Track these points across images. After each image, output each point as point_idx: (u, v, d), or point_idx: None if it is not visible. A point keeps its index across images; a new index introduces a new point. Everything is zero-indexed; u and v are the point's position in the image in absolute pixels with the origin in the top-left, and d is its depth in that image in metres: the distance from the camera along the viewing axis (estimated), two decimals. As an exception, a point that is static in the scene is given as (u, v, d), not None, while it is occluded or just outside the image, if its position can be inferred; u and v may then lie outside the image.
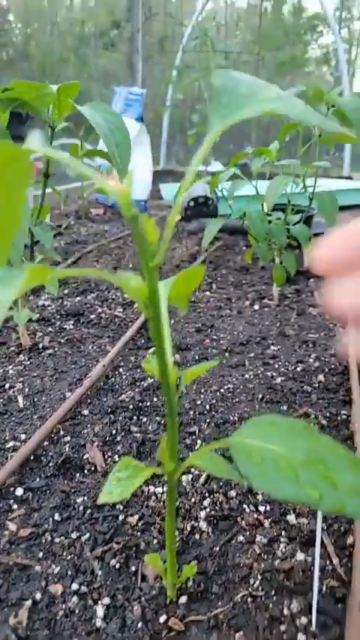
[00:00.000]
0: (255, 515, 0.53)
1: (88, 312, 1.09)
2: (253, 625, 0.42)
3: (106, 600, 0.44)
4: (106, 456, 0.62)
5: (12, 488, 0.56)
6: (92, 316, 1.06)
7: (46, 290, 1.15)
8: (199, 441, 0.65)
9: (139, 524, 0.52)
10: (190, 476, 0.58)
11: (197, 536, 0.51)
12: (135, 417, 0.69)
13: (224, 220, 1.14)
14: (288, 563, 0.48)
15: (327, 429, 0.70)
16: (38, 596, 0.44)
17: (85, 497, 0.55)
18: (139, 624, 0.42)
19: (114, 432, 0.66)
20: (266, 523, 0.53)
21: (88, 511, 0.53)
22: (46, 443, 0.63)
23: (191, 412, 0.71)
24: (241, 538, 0.51)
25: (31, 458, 0.60)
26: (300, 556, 0.49)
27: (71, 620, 0.42)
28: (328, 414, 0.73)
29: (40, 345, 0.92)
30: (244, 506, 0.55)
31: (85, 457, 0.61)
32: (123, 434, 0.65)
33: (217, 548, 0.49)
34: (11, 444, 0.64)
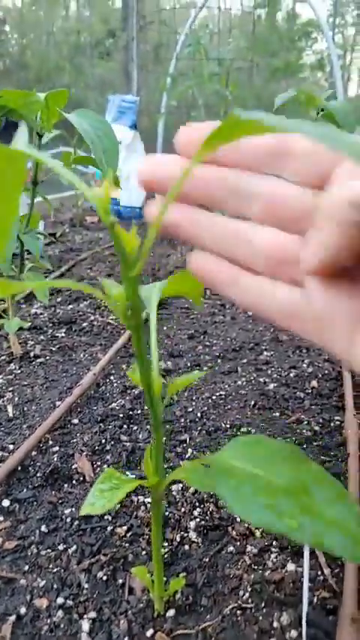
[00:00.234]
0: (246, 525, 0.53)
1: (81, 319, 1.08)
2: (243, 638, 0.41)
3: (92, 614, 0.43)
4: (95, 466, 0.61)
5: (-1, 500, 0.55)
6: (84, 324, 1.06)
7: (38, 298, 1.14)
8: (190, 449, 0.64)
9: (128, 535, 0.51)
10: (180, 485, 0.58)
11: (187, 546, 0.50)
12: (125, 426, 0.69)
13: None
14: (278, 574, 0.47)
15: (320, 435, 0.69)
16: (23, 610, 0.43)
17: (73, 509, 0.54)
18: (125, 639, 0.41)
19: (103, 441, 0.65)
20: (257, 533, 0.52)
21: (76, 522, 0.52)
22: (34, 453, 0.63)
23: (182, 420, 0.70)
24: (231, 548, 0.50)
25: (19, 468, 0.60)
26: (291, 567, 0.48)
27: (56, 636, 0.41)
28: (321, 420, 0.72)
29: (32, 354, 0.91)
30: (235, 515, 0.54)
31: (73, 467, 0.60)
32: (113, 443, 0.65)
33: (207, 559, 0.49)
34: (-1, 454, 0.63)
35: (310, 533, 0.22)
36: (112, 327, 1.05)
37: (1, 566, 0.47)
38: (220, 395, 0.78)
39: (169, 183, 0.25)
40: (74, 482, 0.58)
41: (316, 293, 0.22)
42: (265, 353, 0.94)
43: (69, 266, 1.50)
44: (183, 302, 1.21)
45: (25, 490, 0.56)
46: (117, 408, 0.73)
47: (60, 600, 0.44)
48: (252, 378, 0.84)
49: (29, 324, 1.03)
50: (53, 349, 0.94)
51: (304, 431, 0.70)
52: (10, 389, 0.79)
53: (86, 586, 0.46)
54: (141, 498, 0.56)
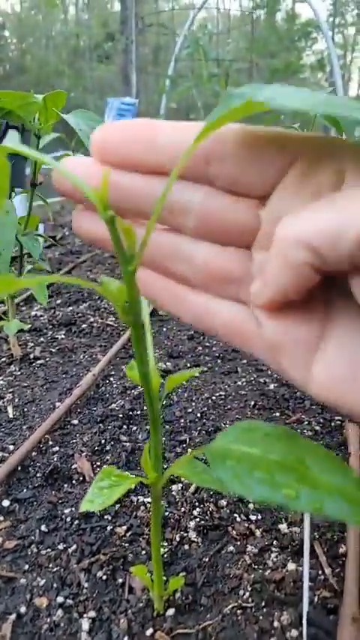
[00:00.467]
0: (246, 525, 0.53)
1: (80, 321, 1.08)
2: (243, 638, 0.41)
3: (92, 613, 0.43)
4: (94, 466, 0.61)
5: (-2, 501, 0.55)
6: (84, 325, 1.06)
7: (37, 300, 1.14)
8: (189, 450, 0.64)
9: (128, 534, 0.51)
10: (180, 485, 0.58)
11: (186, 546, 0.50)
12: (125, 426, 0.69)
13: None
14: (279, 574, 0.47)
15: (320, 435, 0.69)
16: (23, 609, 0.43)
17: (73, 508, 0.54)
18: (125, 638, 0.41)
19: (103, 441, 0.65)
20: (257, 532, 0.52)
21: (76, 522, 0.52)
22: (34, 453, 0.63)
23: (182, 420, 0.70)
24: (231, 548, 0.50)
25: (19, 469, 0.60)
26: (291, 566, 0.48)
27: (56, 635, 0.41)
28: (321, 420, 0.72)
29: (32, 356, 0.91)
30: (235, 515, 0.54)
31: (73, 467, 0.60)
32: (112, 443, 0.65)
33: (207, 559, 0.48)
34: (-1, 455, 0.63)
35: (309, 501, 0.22)
36: (112, 328, 1.05)
37: (1, 565, 0.47)
38: (220, 395, 0.78)
39: (81, 189, 0.22)
40: (74, 482, 0.58)
41: (267, 322, 0.22)
42: (265, 353, 0.94)
43: (69, 268, 1.50)
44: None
45: (25, 490, 0.56)
46: (116, 408, 0.73)
47: (60, 599, 0.44)
48: (252, 378, 0.84)
49: (29, 326, 1.03)
50: (53, 351, 0.94)
51: (305, 431, 0.70)
52: (11, 390, 0.79)
53: (86, 585, 0.45)
54: (140, 498, 0.56)
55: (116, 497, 0.34)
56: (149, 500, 0.55)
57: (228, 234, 0.23)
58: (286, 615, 0.43)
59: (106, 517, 0.53)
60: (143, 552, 0.49)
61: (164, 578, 0.43)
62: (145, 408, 0.73)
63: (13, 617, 0.43)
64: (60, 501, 0.55)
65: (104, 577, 0.46)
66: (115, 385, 0.80)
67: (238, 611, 0.43)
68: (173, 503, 0.55)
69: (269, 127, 0.21)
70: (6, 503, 0.54)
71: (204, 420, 0.71)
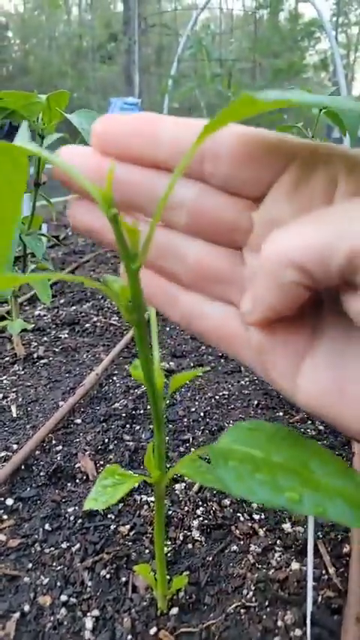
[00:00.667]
0: (249, 524, 0.52)
1: (84, 320, 1.08)
2: (246, 637, 0.41)
3: (96, 612, 0.43)
4: (97, 465, 0.61)
5: (2, 499, 0.55)
6: (87, 325, 1.06)
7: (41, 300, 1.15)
8: (192, 449, 0.64)
9: (131, 533, 0.51)
10: (184, 484, 0.58)
11: (190, 545, 0.50)
12: (128, 425, 0.69)
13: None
14: (282, 573, 0.47)
15: (324, 435, 0.69)
16: (27, 607, 0.43)
17: (76, 507, 0.54)
18: (129, 637, 0.41)
19: (106, 440, 0.65)
20: (261, 532, 0.52)
21: (79, 521, 0.52)
22: (37, 452, 0.63)
23: (185, 420, 0.70)
24: (234, 547, 0.50)
25: (22, 467, 0.60)
26: (295, 565, 0.48)
27: (59, 633, 0.41)
28: (324, 419, 0.72)
29: (35, 355, 0.91)
30: (239, 514, 0.54)
31: (76, 466, 0.60)
32: (115, 442, 0.65)
33: (210, 558, 0.48)
34: (3, 453, 0.63)
35: (312, 505, 0.22)
36: (115, 328, 1.05)
37: (5, 563, 0.47)
38: (224, 395, 0.78)
39: (81, 177, 0.22)
40: (77, 481, 0.58)
41: (256, 331, 0.22)
42: (268, 352, 0.94)
43: (72, 268, 1.50)
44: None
45: (28, 489, 0.57)
46: (120, 407, 0.73)
47: (63, 598, 0.44)
48: (255, 377, 0.83)
49: (33, 325, 1.04)
50: (56, 350, 0.94)
51: (309, 430, 0.70)
52: (14, 389, 0.79)
53: (89, 584, 0.46)
54: (144, 497, 0.56)
55: (120, 495, 0.34)
56: (152, 499, 0.55)
57: (220, 232, 0.23)
58: (289, 615, 0.43)
59: (109, 516, 0.53)
60: (147, 551, 0.49)
61: (168, 577, 0.43)
62: (148, 407, 0.73)
63: (16, 615, 0.43)
64: (63, 500, 0.55)
65: (108, 576, 0.46)
66: (118, 384, 0.80)
67: (242, 611, 0.43)
68: (177, 503, 0.55)
69: (267, 130, 0.21)
70: (10, 501, 0.55)
71: (207, 420, 0.71)
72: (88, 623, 0.42)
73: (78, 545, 0.49)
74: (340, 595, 0.45)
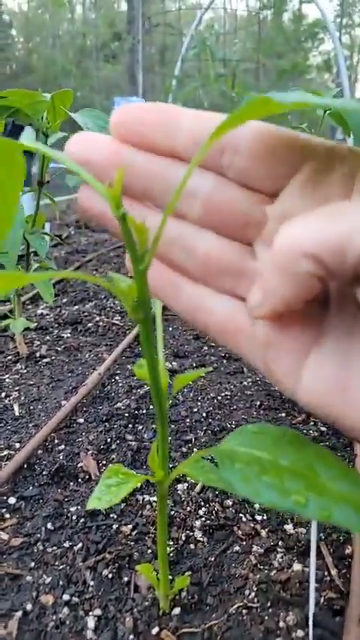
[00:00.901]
0: (251, 525, 0.52)
1: (86, 320, 1.08)
2: (248, 637, 0.41)
3: (98, 611, 0.43)
4: (100, 465, 0.61)
5: (5, 497, 0.55)
6: (90, 324, 1.06)
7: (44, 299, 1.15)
8: (195, 449, 0.64)
9: (133, 533, 0.51)
10: (186, 484, 0.58)
11: (192, 545, 0.50)
12: (130, 425, 0.69)
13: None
14: (285, 574, 0.47)
15: (327, 436, 0.69)
16: (29, 606, 0.43)
17: (79, 506, 0.54)
18: (131, 636, 0.41)
19: (109, 440, 0.65)
20: (263, 532, 0.52)
21: (82, 520, 0.52)
22: (40, 451, 0.63)
23: (187, 420, 0.70)
24: (237, 548, 0.50)
25: (25, 466, 0.60)
26: (297, 566, 0.48)
27: (61, 632, 0.41)
28: (327, 421, 0.72)
29: (37, 354, 0.91)
30: (241, 515, 0.54)
31: (79, 466, 0.60)
32: (118, 442, 0.65)
33: (212, 559, 0.48)
34: (5, 452, 0.63)
35: (318, 509, 0.22)
36: (118, 327, 1.05)
37: (8, 562, 0.47)
38: (226, 395, 0.78)
39: (100, 166, 0.23)
40: (80, 480, 0.58)
41: (262, 325, 0.22)
42: (270, 353, 0.94)
43: (74, 267, 1.50)
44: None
45: (31, 488, 0.57)
46: (122, 407, 0.73)
47: (66, 597, 0.44)
48: (258, 378, 0.83)
49: (35, 324, 1.04)
50: (59, 349, 0.94)
51: (311, 431, 0.70)
52: (17, 388, 0.79)
53: (92, 583, 0.46)
54: (146, 497, 0.56)
55: (123, 495, 0.34)
56: (155, 499, 0.55)
57: (232, 225, 0.23)
58: (291, 616, 0.43)
59: (111, 515, 0.53)
60: (149, 551, 0.49)
61: (170, 577, 0.43)
62: (150, 407, 0.73)
63: (19, 614, 0.43)
64: (66, 499, 0.55)
65: (110, 575, 0.46)
66: (120, 384, 0.80)
67: (244, 611, 0.43)
68: (179, 503, 0.55)
69: (285, 128, 0.21)
70: (12, 500, 0.55)
71: (209, 420, 0.71)
72: (91, 622, 0.42)
73: (80, 545, 0.49)
74: (342, 596, 0.45)
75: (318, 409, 0.21)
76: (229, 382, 0.82)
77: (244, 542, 0.50)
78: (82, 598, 0.44)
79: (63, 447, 0.64)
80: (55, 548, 0.49)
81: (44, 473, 0.59)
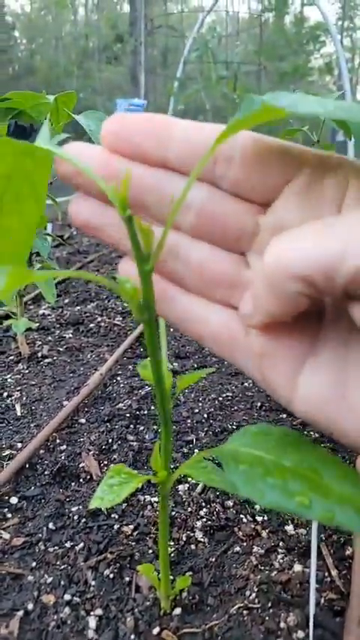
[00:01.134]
0: (252, 526, 0.53)
1: (88, 320, 1.09)
2: (249, 638, 0.41)
3: (99, 611, 0.43)
4: (101, 465, 0.61)
5: (6, 497, 0.55)
6: (91, 325, 1.06)
7: (46, 299, 1.15)
8: (196, 450, 0.64)
9: (134, 533, 0.51)
10: (187, 485, 0.58)
11: (193, 546, 0.50)
12: (132, 426, 0.69)
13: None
14: (285, 575, 0.47)
15: (327, 437, 0.69)
16: (30, 606, 0.44)
17: (80, 507, 0.54)
18: (132, 636, 0.41)
19: (110, 440, 0.65)
20: (264, 533, 0.52)
21: (83, 520, 0.53)
22: (42, 451, 0.63)
23: (189, 421, 0.71)
24: (237, 548, 0.50)
25: (27, 466, 0.60)
26: (298, 567, 0.48)
27: (63, 632, 0.41)
28: (327, 422, 0.72)
29: (39, 354, 0.91)
30: (242, 516, 0.54)
31: (80, 466, 0.60)
32: (119, 442, 0.65)
33: (213, 559, 0.49)
34: (7, 452, 0.63)
35: (322, 510, 0.22)
36: (119, 328, 1.06)
37: (9, 562, 0.48)
38: (227, 396, 0.78)
39: (96, 177, 0.22)
40: (81, 480, 0.58)
41: (257, 334, 0.22)
42: (271, 355, 0.94)
43: (76, 268, 1.50)
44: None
45: (33, 488, 0.57)
46: (124, 408, 0.73)
47: (67, 597, 0.44)
48: (259, 379, 0.84)
49: (37, 324, 1.04)
50: (61, 349, 0.94)
51: (312, 433, 0.70)
52: (19, 388, 0.79)
53: (93, 583, 0.46)
54: (148, 497, 0.56)
55: (125, 494, 0.35)
56: (156, 499, 0.56)
57: (226, 236, 0.23)
58: (292, 616, 0.43)
59: (113, 516, 0.53)
60: (150, 551, 0.49)
61: (171, 577, 0.43)
62: (152, 407, 0.74)
63: (20, 613, 0.43)
64: (67, 499, 0.55)
65: (111, 575, 0.47)
66: (122, 385, 0.80)
67: (245, 612, 0.43)
68: (180, 503, 0.55)
69: (277, 139, 0.22)
70: (14, 500, 0.55)
71: (211, 421, 0.71)
72: (92, 622, 0.42)
73: (82, 545, 0.50)
74: (343, 597, 0.45)
75: (314, 417, 0.21)
76: (230, 383, 0.82)
77: (245, 543, 0.51)
78: (83, 598, 0.44)
79: (65, 447, 0.64)
80: (56, 547, 0.49)
81: (46, 473, 0.59)
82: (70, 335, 1.02)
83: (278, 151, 0.21)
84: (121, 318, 1.11)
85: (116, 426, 0.68)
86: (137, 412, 0.72)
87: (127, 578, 0.46)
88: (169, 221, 0.22)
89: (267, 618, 0.43)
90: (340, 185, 0.20)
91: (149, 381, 0.35)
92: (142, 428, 0.69)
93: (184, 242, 0.24)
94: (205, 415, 0.72)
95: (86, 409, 0.73)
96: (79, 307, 1.17)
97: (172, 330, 1.05)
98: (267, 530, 0.52)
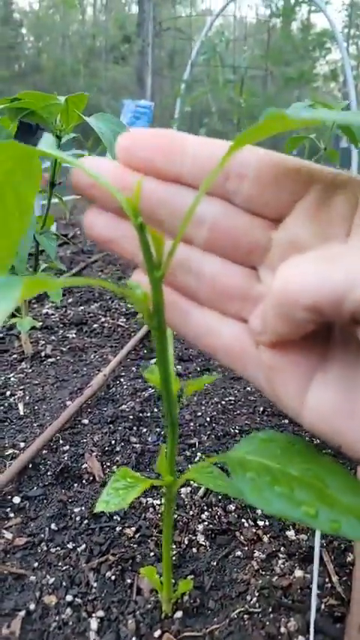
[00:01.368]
0: (254, 530, 0.53)
1: (92, 321, 1.09)
2: (250, 643, 0.41)
3: (101, 613, 0.43)
4: (104, 466, 0.61)
5: (9, 497, 0.55)
6: (95, 325, 1.06)
7: (50, 298, 1.15)
8: (198, 453, 0.64)
9: (136, 536, 0.51)
10: (189, 488, 0.58)
11: (195, 550, 0.50)
12: (135, 428, 0.69)
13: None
14: (286, 580, 0.47)
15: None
16: (32, 606, 0.44)
17: (83, 508, 0.54)
18: (133, 639, 0.41)
19: (113, 442, 0.65)
20: (265, 538, 0.52)
21: (85, 521, 0.53)
22: (44, 451, 0.63)
23: (192, 424, 0.71)
24: (239, 553, 0.50)
25: (30, 466, 0.60)
26: (299, 573, 0.48)
27: (64, 633, 0.42)
28: (329, 429, 0.72)
29: (43, 354, 0.92)
30: (243, 520, 0.54)
31: (83, 467, 0.61)
32: (122, 444, 0.65)
33: (215, 563, 0.49)
34: (10, 451, 0.63)
35: (328, 520, 0.22)
36: (123, 329, 1.06)
37: (12, 562, 0.48)
38: (230, 400, 0.78)
39: (104, 189, 0.23)
40: (84, 481, 0.59)
41: (266, 349, 0.22)
42: (274, 360, 0.94)
43: (80, 268, 1.51)
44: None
45: (35, 488, 0.57)
46: (127, 409, 0.73)
47: (69, 598, 0.44)
48: (261, 384, 0.84)
49: (41, 323, 1.04)
50: (64, 349, 0.94)
51: (314, 439, 0.70)
52: (22, 387, 0.80)
53: (95, 585, 0.46)
54: (150, 500, 0.56)
55: (131, 499, 0.35)
56: (159, 502, 0.56)
57: (238, 250, 0.23)
58: (293, 622, 0.43)
59: (115, 518, 0.53)
60: (152, 554, 0.49)
61: (172, 580, 0.43)
62: (155, 410, 0.74)
63: (22, 613, 0.43)
64: (70, 500, 0.55)
65: (113, 577, 0.47)
66: (125, 386, 0.81)
67: (245, 616, 0.44)
68: (182, 507, 0.55)
69: (289, 156, 0.22)
70: (17, 500, 0.55)
71: (213, 425, 0.71)
72: (93, 623, 0.42)
73: (84, 546, 0.50)
74: (343, 603, 0.45)
75: (323, 431, 0.21)
76: (232, 387, 0.82)
77: (246, 548, 0.51)
78: (85, 599, 0.45)
79: (68, 447, 0.64)
80: (58, 548, 0.49)
81: (49, 473, 0.59)
82: (74, 335, 1.02)
83: (290, 168, 0.22)
84: (124, 319, 1.11)
85: (119, 428, 0.68)
86: (140, 414, 0.72)
87: (129, 581, 0.47)
88: (180, 231, 0.23)
89: (267, 623, 0.43)
90: (350, 202, 0.21)
91: (152, 385, 0.36)
92: (144, 430, 0.69)
93: (196, 256, 0.24)
94: (208, 419, 0.72)
95: (89, 410, 0.73)
96: (82, 307, 1.17)
97: (175, 332, 1.05)
98: (268, 535, 0.52)
